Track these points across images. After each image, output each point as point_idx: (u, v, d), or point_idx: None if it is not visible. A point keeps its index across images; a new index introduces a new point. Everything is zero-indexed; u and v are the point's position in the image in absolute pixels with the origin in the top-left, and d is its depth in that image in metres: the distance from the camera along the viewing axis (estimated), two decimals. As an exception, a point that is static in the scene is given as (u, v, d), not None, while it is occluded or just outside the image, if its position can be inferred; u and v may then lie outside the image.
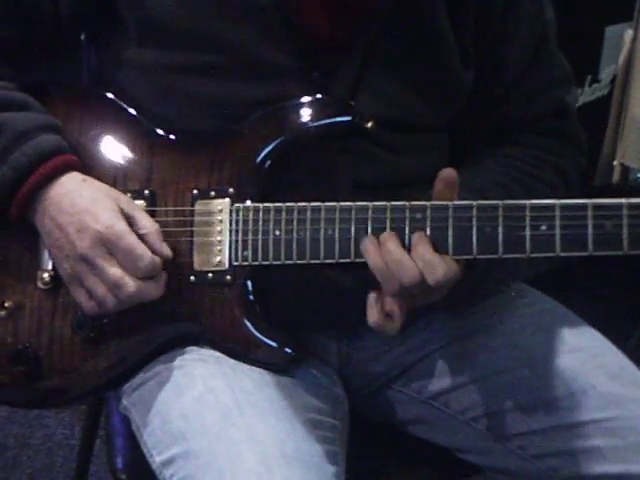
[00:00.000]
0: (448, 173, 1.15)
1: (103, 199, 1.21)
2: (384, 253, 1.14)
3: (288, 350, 1.25)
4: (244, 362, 1.26)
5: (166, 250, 1.22)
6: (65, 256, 1.21)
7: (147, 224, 1.22)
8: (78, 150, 1.27)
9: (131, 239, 1.19)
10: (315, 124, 1.24)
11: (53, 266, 1.27)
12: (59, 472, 2.22)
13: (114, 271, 1.19)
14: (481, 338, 1.35)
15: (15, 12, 1.26)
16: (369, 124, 1.24)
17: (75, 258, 1.20)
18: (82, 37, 1.41)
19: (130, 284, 1.19)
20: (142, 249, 1.19)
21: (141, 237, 1.21)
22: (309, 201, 1.20)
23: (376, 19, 1.25)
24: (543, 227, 1.12)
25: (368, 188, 1.27)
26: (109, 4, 1.27)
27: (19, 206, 1.23)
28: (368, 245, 1.16)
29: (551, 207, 1.12)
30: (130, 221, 1.21)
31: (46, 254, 1.27)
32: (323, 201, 1.20)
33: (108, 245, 1.19)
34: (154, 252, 1.21)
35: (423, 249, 1.14)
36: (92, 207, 1.20)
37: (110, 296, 1.20)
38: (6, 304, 1.29)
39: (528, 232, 1.12)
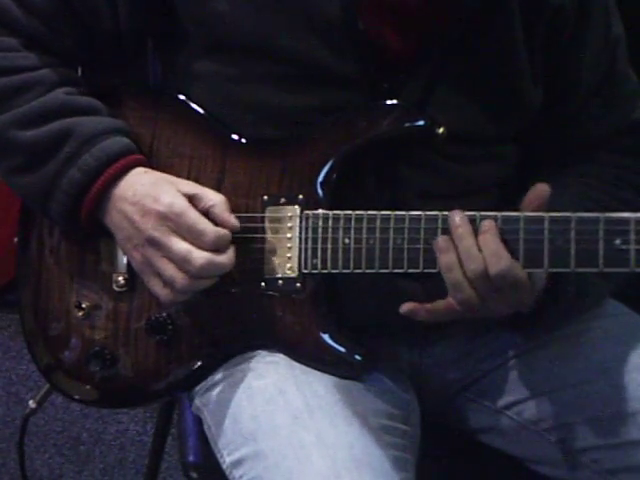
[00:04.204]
0: (543, 188, 1.14)
1: (162, 183, 1.23)
2: (455, 237, 1.14)
3: (357, 357, 1.25)
4: (313, 368, 1.26)
5: (233, 221, 1.22)
6: (134, 245, 1.23)
7: (211, 196, 1.22)
8: (151, 152, 1.29)
9: (192, 215, 1.20)
10: (387, 128, 1.23)
11: (127, 269, 1.29)
12: (131, 468, 2.25)
13: (180, 246, 1.20)
14: (557, 349, 1.33)
15: (76, 27, 1.28)
16: (440, 130, 1.22)
17: (143, 243, 1.22)
18: (148, 46, 1.41)
19: (198, 256, 1.19)
20: (204, 224, 1.20)
21: (208, 211, 1.21)
22: (375, 209, 1.20)
23: (448, 34, 1.23)
24: (617, 241, 1.09)
25: (433, 197, 1.27)
26: (171, 19, 1.28)
27: (89, 207, 1.24)
28: (441, 242, 1.15)
29: (625, 221, 1.09)
30: (193, 200, 1.22)
31: (120, 257, 1.29)
32: (389, 209, 1.19)
33: (171, 223, 1.20)
34: (221, 224, 1.21)
35: (492, 237, 1.13)
36: (152, 190, 1.22)
37: (180, 275, 1.20)
38: (83, 305, 1.32)
39: (601, 246, 1.10)
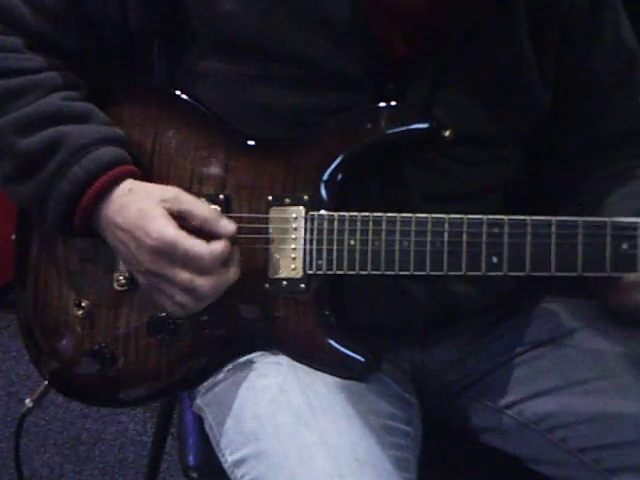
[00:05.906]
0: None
1: (149, 208, 1.19)
2: None
3: (360, 359, 1.25)
4: (316, 369, 1.26)
5: (227, 230, 1.20)
6: (137, 270, 1.22)
7: (199, 212, 1.20)
8: (153, 153, 1.28)
9: (184, 243, 1.17)
10: (393, 130, 1.23)
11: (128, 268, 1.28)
12: (131, 468, 2.24)
13: (182, 277, 1.17)
14: (558, 348, 1.33)
15: (84, 27, 1.27)
16: (447, 132, 1.22)
17: (145, 272, 1.21)
18: (154, 45, 1.41)
19: (201, 284, 1.18)
20: (197, 248, 1.17)
21: (199, 227, 1.19)
22: (379, 210, 1.20)
23: (455, 36, 1.23)
24: (624, 246, 1.10)
25: (437, 199, 1.27)
26: (180, 18, 1.27)
27: (81, 219, 1.23)
28: None
29: (632, 226, 1.10)
30: (182, 216, 1.19)
31: None
32: (394, 211, 1.19)
33: (166, 256, 1.18)
34: (217, 236, 1.19)
35: None
36: (141, 221, 1.19)
37: (189, 299, 1.19)
38: (83, 304, 1.31)
39: (609, 251, 1.10)
